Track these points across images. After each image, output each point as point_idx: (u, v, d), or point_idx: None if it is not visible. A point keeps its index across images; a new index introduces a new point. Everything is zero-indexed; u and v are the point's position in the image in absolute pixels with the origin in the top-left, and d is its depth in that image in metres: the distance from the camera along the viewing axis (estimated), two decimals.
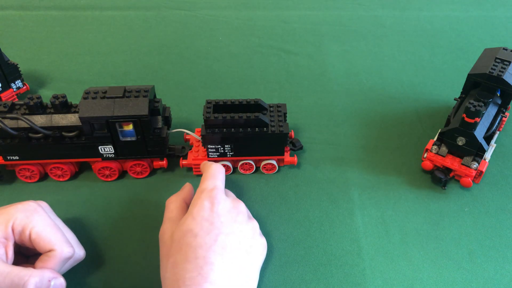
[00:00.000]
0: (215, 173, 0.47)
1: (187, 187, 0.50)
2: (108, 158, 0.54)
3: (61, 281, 0.41)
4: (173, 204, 0.47)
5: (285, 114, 0.55)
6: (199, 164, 0.56)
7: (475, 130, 0.52)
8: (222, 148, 0.54)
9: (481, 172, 0.54)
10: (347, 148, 0.62)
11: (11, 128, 0.50)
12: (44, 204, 0.46)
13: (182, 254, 0.40)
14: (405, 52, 0.81)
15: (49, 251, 0.41)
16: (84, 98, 0.50)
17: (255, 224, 0.45)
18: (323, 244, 0.50)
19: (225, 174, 0.57)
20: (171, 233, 0.43)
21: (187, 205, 0.48)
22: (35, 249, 0.42)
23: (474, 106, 0.50)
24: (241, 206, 0.45)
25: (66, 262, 0.42)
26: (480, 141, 0.52)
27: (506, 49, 0.59)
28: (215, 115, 0.52)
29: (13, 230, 0.41)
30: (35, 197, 0.46)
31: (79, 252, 0.44)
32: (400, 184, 0.56)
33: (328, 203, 0.54)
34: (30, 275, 0.38)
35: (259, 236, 0.45)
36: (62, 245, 0.42)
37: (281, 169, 0.58)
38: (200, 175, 0.57)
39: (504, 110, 0.58)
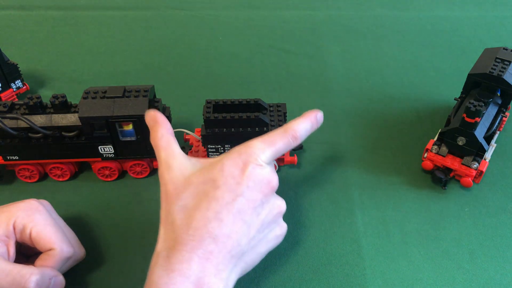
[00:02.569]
0: (275, 141, 0.41)
1: (158, 116, 0.43)
2: (108, 158, 0.54)
3: (61, 279, 0.41)
4: (163, 139, 0.41)
5: (285, 114, 0.55)
6: None
7: (475, 130, 0.51)
8: (222, 148, 0.54)
9: (482, 172, 0.54)
10: (347, 148, 0.62)
11: (11, 128, 0.50)
12: (46, 203, 0.46)
13: (195, 201, 0.37)
14: (405, 52, 0.81)
15: (49, 250, 0.41)
16: (84, 98, 0.50)
17: (281, 203, 0.42)
18: (323, 244, 0.50)
19: None
20: (181, 171, 0.39)
21: (173, 136, 0.42)
22: (36, 248, 0.42)
23: (475, 106, 0.50)
24: (275, 180, 0.40)
25: (66, 262, 0.43)
26: (480, 141, 0.52)
27: (506, 49, 0.59)
28: (215, 115, 0.52)
29: (14, 229, 0.41)
30: (35, 197, 0.46)
31: (80, 252, 0.45)
32: (400, 184, 0.56)
33: (328, 203, 0.54)
34: (31, 273, 0.39)
35: (280, 219, 0.42)
36: (62, 244, 0.42)
37: (281, 169, 0.58)
38: None
39: (504, 110, 0.58)
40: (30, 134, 0.51)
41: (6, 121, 0.50)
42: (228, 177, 0.38)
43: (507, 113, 0.60)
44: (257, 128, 0.52)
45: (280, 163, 0.57)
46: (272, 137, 0.41)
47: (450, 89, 0.72)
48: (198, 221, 0.36)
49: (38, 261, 0.41)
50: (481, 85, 0.57)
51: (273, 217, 0.41)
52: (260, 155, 0.40)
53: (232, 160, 0.39)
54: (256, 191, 0.39)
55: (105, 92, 0.51)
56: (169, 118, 0.56)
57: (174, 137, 0.42)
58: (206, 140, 0.53)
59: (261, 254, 0.41)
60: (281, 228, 0.42)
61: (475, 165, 0.53)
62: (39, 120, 0.51)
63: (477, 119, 0.51)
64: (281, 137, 0.42)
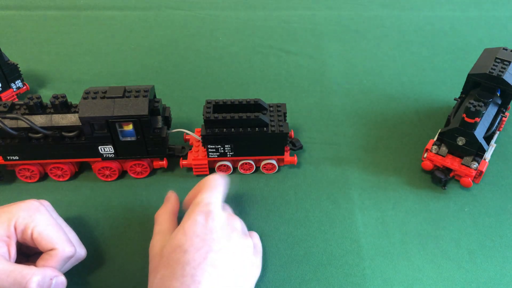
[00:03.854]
0: (215, 185, 0.45)
1: (172, 197, 0.49)
2: (108, 158, 0.54)
3: (62, 279, 0.41)
4: (161, 217, 0.46)
5: (285, 114, 0.55)
6: (199, 164, 0.56)
7: (475, 130, 0.52)
8: (222, 148, 0.54)
9: (481, 172, 0.54)
10: (347, 148, 0.62)
11: (11, 128, 0.50)
12: (46, 203, 0.46)
13: (170, 271, 0.38)
14: (405, 52, 0.81)
15: (51, 250, 0.41)
16: (84, 98, 0.50)
17: (249, 243, 0.43)
18: (323, 244, 0.50)
19: (225, 174, 0.57)
20: (161, 246, 0.42)
21: (175, 216, 0.47)
22: (37, 248, 0.42)
23: (474, 106, 0.50)
24: (237, 222, 0.43)
25: (68, 261, 0.43)
26: (480, 141, 0.52)
27: (506, 49, 0.59)
28: (215, 115, 0.52)
29: (15, 229, 0.41)
30: (35, 197, 0.46)
31: (81, 251, 0.45)
32: (400, 184, 0.56)
33: (328, 203, 0.54)
34: (32, 273, 0.39)
35: (253, 256, 0.44)
36: (64, 244, 0.42)
37: (281, 169, 0.58)
38: (200, 176, 0.57)
39: (504, 110, 0.58)
40: (30, 134, 0.51)
41: (6, 121, 0.51)
42: (192, 238, 0.40)
43: (506, 113, 0.60)
44: (257, 128, 0.52)
45: (280, 163, 0.57)
46: (206, 185, 0.45)
47: (450, 89, 0.72)
48: None
49: (40, 261, 0.41)
50: (481, 85, 0.57)
51: (247, 260, 0.42)
52: (212, 199, 0.43)
53: (191, 220, 0.41)
54: (223, 239, 0.40)
55: (105, 92, 0.51)
56: (169, 118, 0.56)
57: (174, 213, 0.47)
58: (206, 140, 0.53)
59: None
60: (255, 265, 0.44)
61: (474, 165, 0.53)
62: (39, 120, 0.51)
63: (477, 119, 0.51)
64: (213, 179, 0.46)
